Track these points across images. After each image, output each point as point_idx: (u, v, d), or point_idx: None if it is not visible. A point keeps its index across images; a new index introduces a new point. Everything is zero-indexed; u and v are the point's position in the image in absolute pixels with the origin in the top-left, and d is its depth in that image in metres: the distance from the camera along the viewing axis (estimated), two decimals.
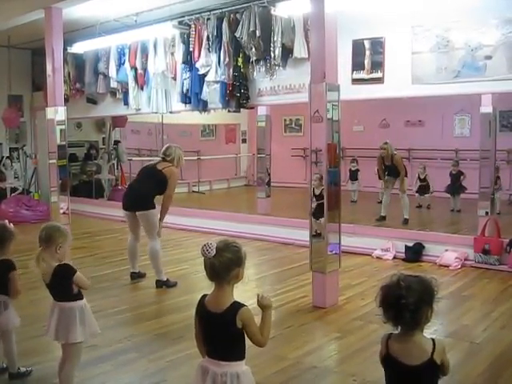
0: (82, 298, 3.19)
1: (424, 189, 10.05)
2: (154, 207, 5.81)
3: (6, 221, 3.53)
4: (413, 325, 2.15)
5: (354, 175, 10.69)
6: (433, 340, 2.18)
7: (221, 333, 2.37)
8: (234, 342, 2.37)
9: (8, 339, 3.50)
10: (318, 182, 5.47)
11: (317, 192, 5.54)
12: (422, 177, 10.07)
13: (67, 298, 3.14)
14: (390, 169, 8.62)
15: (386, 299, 2.16)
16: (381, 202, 9.55)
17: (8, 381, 3.49)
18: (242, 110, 8.36)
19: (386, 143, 8.61)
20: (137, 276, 6.07)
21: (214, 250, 2.30)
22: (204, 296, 2.44)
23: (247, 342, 2.38)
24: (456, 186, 9.56)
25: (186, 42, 8.21)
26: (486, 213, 6.75)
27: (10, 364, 3.54)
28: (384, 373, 2.25)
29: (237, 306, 2.34)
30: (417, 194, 10.04)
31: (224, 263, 2.32)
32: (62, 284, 3.13)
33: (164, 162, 5.85)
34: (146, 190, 5.78)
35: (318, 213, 5.21)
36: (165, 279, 5.82)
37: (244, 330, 2.34)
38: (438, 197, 10.11)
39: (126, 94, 9.32)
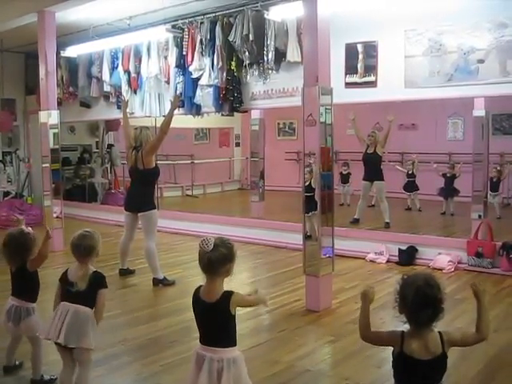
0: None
1: (411, 185, 10.06)
2: (154, 207, 6.00)
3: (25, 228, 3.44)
4: (434, 321, 2.22)
5: (345, 178, 10.72)
6: (439, 333, 2.25)
7: (215, 320, 2.58)
8: (227, 329, 2.59)
9: (34, 345, 3.46)
10: (309, 175, 5.50)
11: (306, 183, 5.57)
12: (410, 172, 10.09)
13: (86, 304, 3.08)
14: (369, 159, 8.62)
15: (422, 300, 2.18)
16: (373, 206, 9.60)
17: None
18: (235, 113, 8.38)
19: (374, 132, 8.76)
20: (125, 272, 6.26)
21: (212, 245, 2.52)
22: (198, 288, 2.65)
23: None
24: (449, 188, 9.59)
25: (179, 45, 8.19)
26: (479, 216, 6.77)
27: (33, 371, 3.47)
28: (393, 371, 2.28)
29: (227, 294, 2.57)
30: (405, 194, 10.09)
31: (219, 258, 2.54)
32: (94, 290, 3.08)
33: (138, 152, 5.85)
34: (144, 191, 5.95)
35: (307, 206, 5.19)
36: (161, 277, 5.92)
37: (242, 306, 2.66)
38: (429, 200, 10.13)
39: (119, 97, 9.30)
